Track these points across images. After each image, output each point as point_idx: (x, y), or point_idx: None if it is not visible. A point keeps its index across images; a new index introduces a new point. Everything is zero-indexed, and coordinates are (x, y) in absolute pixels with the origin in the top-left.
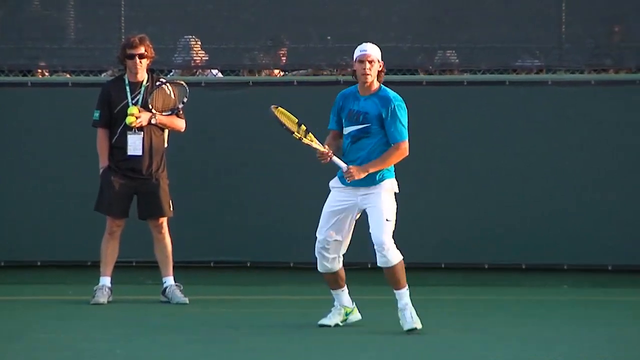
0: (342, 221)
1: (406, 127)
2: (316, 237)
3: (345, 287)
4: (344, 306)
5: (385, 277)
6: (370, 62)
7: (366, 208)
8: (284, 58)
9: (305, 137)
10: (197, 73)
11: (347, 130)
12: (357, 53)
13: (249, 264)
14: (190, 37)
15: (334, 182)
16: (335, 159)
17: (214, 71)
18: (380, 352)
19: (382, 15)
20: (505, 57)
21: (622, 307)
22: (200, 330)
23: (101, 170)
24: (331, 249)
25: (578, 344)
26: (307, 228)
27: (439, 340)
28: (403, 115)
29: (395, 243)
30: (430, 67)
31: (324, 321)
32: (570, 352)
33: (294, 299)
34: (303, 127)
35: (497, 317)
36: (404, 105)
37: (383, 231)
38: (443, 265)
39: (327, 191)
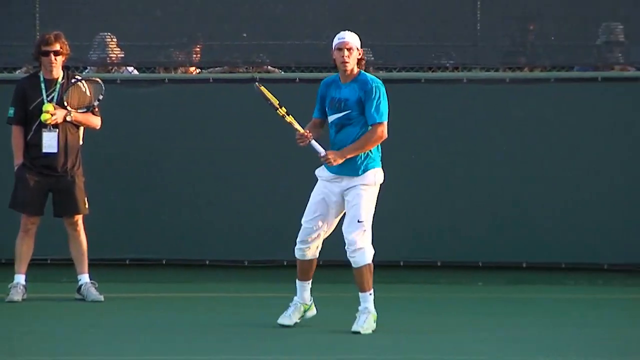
0: (328, 210)
1: (385, 110)
2: (301, 224)
3: (310, 281)
4: (304, 303)
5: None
6: (348, 49)
7: (347, 203)
8: (200, 55)
9: (286, 114)
10: (113, 70)
11: (331, 119)
12: (335, 41)
13: (164, 262)
14: (106, 34)
15: (321, 171)
16: (313, 142)
17: (130, 68)
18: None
19: (298, 13)
20: (421, 55)
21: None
22: (116, 328)
23: (16, 168)
24: (315, 236)
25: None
26: (223, 225)
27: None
28: (381, 97)
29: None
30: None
31: (283, 321)
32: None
33: (210, 296)
34: (284, 108)
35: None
36: (382, 88)
37: (354, 230)
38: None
39: (245, 187)
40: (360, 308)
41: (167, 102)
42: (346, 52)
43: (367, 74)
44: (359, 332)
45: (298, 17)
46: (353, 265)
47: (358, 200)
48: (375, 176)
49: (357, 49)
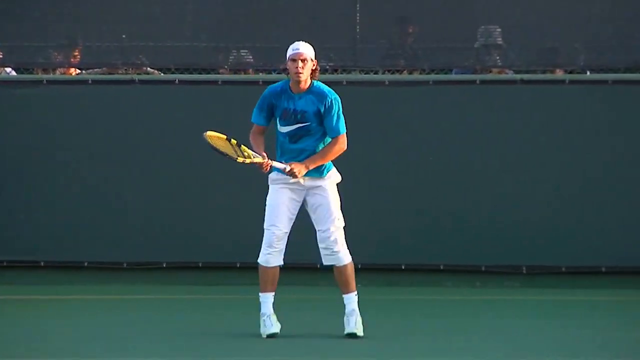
0: (291, 213)
1: (343, 122)
2: (265, 229)
3: (274, 293)
4: (273, 313)
5: (335, 278)
6: (302, 60)
7: (312, 204)
8: (79, 57)
9: (242, 154)
10: None
11: (284, 129)
12: (289, 52)
13: (42, 264)
14: None
15: (276, 175)
16: (274, 163)
17: (8, 69)
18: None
19: (176, 14)
20: None
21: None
22: None
23: None
24: (281, 241)
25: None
26: (103, 226)
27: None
28: (339, 109)
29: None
30: (225, 67)
31: (271, 330)
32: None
33: (88, 299)
34: (234, 141)
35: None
36: (339, 99)
37: (333, 229)
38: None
39: (125, 188)
40: (347, 311)
41: (45, 104)
42: (300, 64)
43: (321, 84)
44: (355, 334)
45: (177, 19)
46: (336, 264)
47: (327, 199)
48: (336, 175)
49: (311, 59)
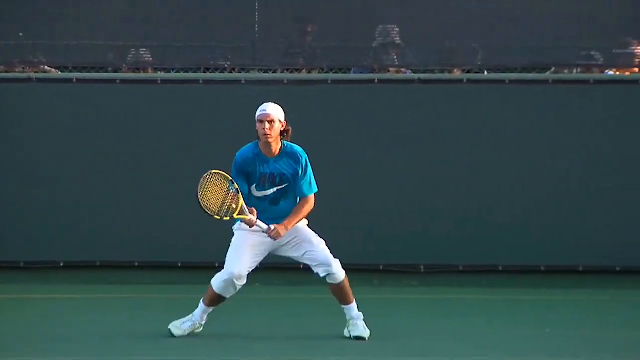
0: (259, 254)
1: (313, 180)
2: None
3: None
4: (201, 323)
5: (333, 294)
6: (270, 122)
7: (289, 245)
8: None
9: (227, 212)
10: None
11: (261, 193)
12: (257, 113)
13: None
14: None
15: (240, 225)
16: (259, 223)
17: None
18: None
19: (74, 13)
20: (199, 56)
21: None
22: None
23: None
24: (243, 279)
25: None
26: (31, 226)
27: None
28: (308, 168)
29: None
30: (124, 66)
31: (176, 331)
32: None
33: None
34: (236, 186)
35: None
36: (306, 157)
37: (324, 250)
38: None
39: (51, 189)
40: (353, 315)
41: None
42: (267, 125)
43: (290, 144)
44: (364, 338)
45: (75, 17)
46: (334, 282)
47: (304, 231)
48: (304, 220)
49: (280, 120)
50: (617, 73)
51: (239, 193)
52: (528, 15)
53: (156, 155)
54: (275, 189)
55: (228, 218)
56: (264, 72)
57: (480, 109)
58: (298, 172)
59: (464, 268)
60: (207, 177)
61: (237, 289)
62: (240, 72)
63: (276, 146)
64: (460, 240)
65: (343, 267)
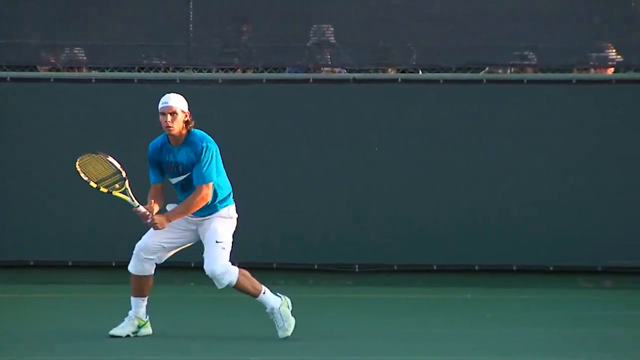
0: (175, 239)
1: (212, 171)
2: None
3: (147, 298)
4: (139, 318)
5: None
6: (172, 114)
7: (204, 229)
8: None
9: (119, 187)
10: None
11: (172, 181)
12: (159, 105)
13: None
14: None
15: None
16: (140, 208)
17: None
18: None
19: (8, 11)
20: (134, 55)
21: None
22: None
23: None
24: (152, 252)
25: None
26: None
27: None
28: (210, 159)
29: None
30: (58, 64)
31: (115, 331)
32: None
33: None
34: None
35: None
36: (213, 147)
37: (215, 257)
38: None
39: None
40: (267, 309)
41: None
42: (169, 117)
43: (196, 132)
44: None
45: (10, 15)
46: (219, 287)
47: (212, 226)
48: (229, 211)
49: (182, 111)
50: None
51: (125, 181)
52: (462, 14)
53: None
54: (180, 178)
55: (106, 191)
56: (198, 72)
57: (414, 108)
58: (194, 161)
59: (399, 267)
60: (95, 156)
61: (149, 264)
62: (175, 72)
63: (180, 137)
64: (395, 240)
65: (279, 267)
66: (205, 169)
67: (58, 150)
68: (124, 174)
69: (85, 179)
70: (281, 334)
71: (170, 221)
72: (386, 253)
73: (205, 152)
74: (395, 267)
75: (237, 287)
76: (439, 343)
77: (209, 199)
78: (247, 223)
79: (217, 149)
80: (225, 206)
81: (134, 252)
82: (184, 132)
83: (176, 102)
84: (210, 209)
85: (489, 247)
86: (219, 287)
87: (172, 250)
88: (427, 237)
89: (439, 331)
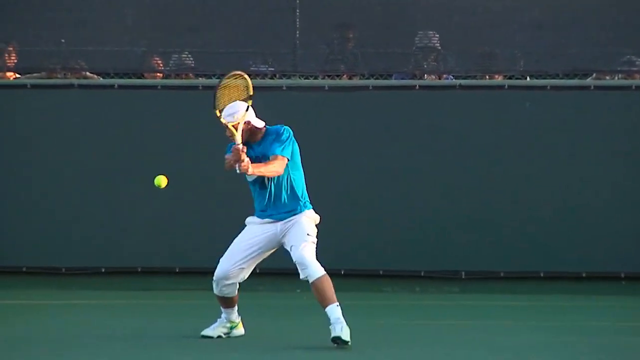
0: (254, 253)
1: (289, 150)
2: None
3: (236, 306)
4: (231, 320)
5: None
6: (234, 127)
7: (285, 233)
8: (17, 61)
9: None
10: None
11: (250, 178)
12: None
13: None
14: None
15: (253, 219)
16: (239, 147)
17: None
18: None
19: (116, 18)
20: (240, 62)
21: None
22: None
23: None
24: (232, 277)
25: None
26: (43, 231)
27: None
28: (288, 139)
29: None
30: (165, 72)
31: (206, 332)
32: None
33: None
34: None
35: None
36: (288, 130)
37: (304, 247)
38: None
39: (64, 193)
40: (332, 318)
41: None
42: (228, 132)
43: (273, 127)
44: (340, 338)
45: (116, 23)
46: (308, 280)
47: (303, 225)
48: (313, 214)
49: (242, 123)
50: None
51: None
52: (569, 20)
53: (198, 161)
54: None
55: (223, 122)
56: (305, 79)
57: (521, 115)
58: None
59: (505, 274)
60: (235, 83)
61: (232, 288)
62: (282, 79)
63: (255, 136)
64: (501, 246)
65: (385, 274)
66: (283, 144)
67: (171, 156)
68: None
69: (215, 103)
70: (334, 334)
71: (251, 172)
72: (493, 260)
73: (284, 132)
74: (502, 274)
75: (318, 285)
76: (549, 352)
77: (282, 172)
78: (353, 230)
79: (297, 145)
80: (308, 208)
81: (214, 279)
82: (258, 130)
83: (230, 117)
84: (293, 210)
85: (599, 254)
86: (303, 276)
87: (252, 265)
88: (535, 244)
89: (547, 339)
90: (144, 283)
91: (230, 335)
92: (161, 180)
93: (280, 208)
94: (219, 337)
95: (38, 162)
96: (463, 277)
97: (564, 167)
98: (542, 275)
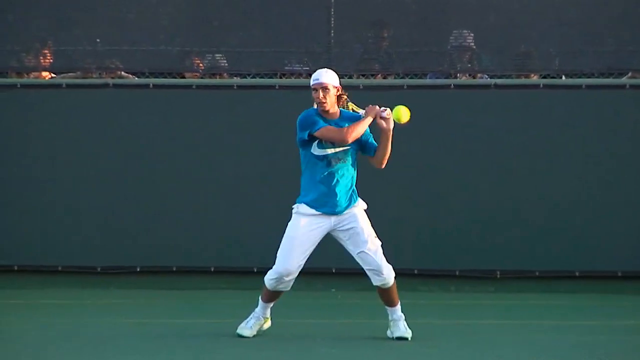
0: (312, 247)
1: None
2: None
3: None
4: (265, 316)
5: (379, 295)
6: (323, 89)
7: (345, 233)
8: (52, 60)
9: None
10: None
11: (322, 152)
12: (311, 81)
13: (16, 268)
14: None
15: (304, 209)
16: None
17: None
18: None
19: (151, 18)
20: (275, 62)
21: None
22: None
23: None
24: (294, 273)
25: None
26: (76, 230)
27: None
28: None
29: None
30: (200, 71)
31: (243, 331)
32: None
33: (62, 303)
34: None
35: None
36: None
37: (378, 254)
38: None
39: (99, 193)
40: (395, 316)
41: (19, 107)
42: (321, 93)
43: (345, 110)
44: (406, 338)
45: (151, 22)
46: (383, 287)
47: (364, 224)
48: (363, 204)
49: (334, 86)
50: None
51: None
52: (605, 18)
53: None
54: (334, 150)
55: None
56: (339, 78)
57: (556, 114)
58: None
59: (540, 274)
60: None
61: (290, 284)
62: None
63: (334, 111)
64: (536, 245)
65: (420, 273)
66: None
67: (203, 155)
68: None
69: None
70: (399, 334)
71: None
72: (528, 259)
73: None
74: (537, 273)
75: (391, 289)
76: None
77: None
78: (391, 230)
79: None
80: (359, 198)
81: (273, 277)
82: (337, 107)
83: (328, 78)
84: (352, 199)
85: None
86: (379, 283)
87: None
88: (570, 243)
89: (586, 339)
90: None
91: (261, 329)
92: (402, 114)
93: (341, 197)
94: (254, 336)
95: (74, 161)
96: (498, 276)
97: (600, 166)
98: (577, 274)
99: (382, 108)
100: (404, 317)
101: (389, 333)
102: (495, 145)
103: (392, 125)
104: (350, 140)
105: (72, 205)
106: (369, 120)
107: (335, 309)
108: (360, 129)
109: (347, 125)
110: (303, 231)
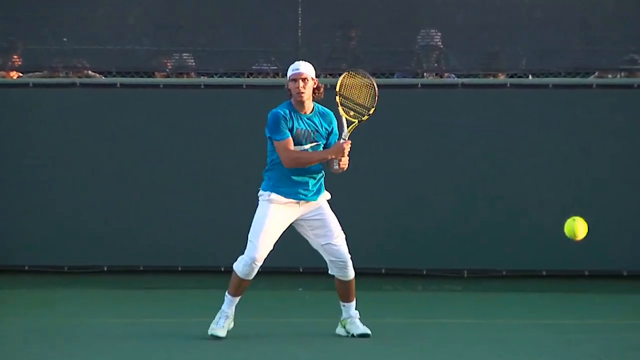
0: (279, 234)
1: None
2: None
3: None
4: (233, 313)
5: (337, 289)
6: (303, 80)
7: (309, 223)
8: (19, 59)
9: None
10: None
11: (300, 148)
12: (290, 72)
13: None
14: None
15: (274, 197)
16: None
17: None
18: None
19: (118, 17)
20: (242, 61)
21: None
22: None
23: None
24: (263, 258)
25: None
26: (44, 230)
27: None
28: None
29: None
30: (167, 71)
31: (216, 331)
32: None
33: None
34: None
35: None
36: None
37: (343, 246)
38: None
39: (66, 192)
40: (352, 313)
41: None
42: (301, 83)
43: (320, 105)
44: (368, 335)
45: (118, 22)
46: (343, 279)
47: (330, 216)
48: (328, 195)
49: (312, 78)
50: None
51: (363, 118)
52: (571, 18)
53: (201, 160)
54: (309, 145)
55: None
56: None
57: (523, 113)
58: (328, 131)
59: (507, 273)
60: (367, 81)
61: (256, 271)
62: (284, 77)
63: (309, 104)
64: (503, 245)
65: (387, 272)
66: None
67: (173, 155)
68: (370, 112)
69: (343, 93)
70: (361, 331)
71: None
72: (495, 258)
73: (334, 123)
74: (504, 273)
75: (351, 282)
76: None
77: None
78: (355, 228)
79: None
80: (323, 191)
81: (246, 261)
82: (312, 101)
83: (306, 69)
84: (320, 189)
85: (601, 253)
86: (341, 274)
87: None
88: (536, 243)
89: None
90: (145, 282)
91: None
92: (578, 230)
93: (310, 187)
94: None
95: (40, 161)
96: (465, 275)
97: (568, 165)
98: (544, 274)
99: (348, 145)
100: (358, 314)
101: (339, 330)
102: (463, 144)
103: (343, 170)
104: (290, 167)
105: (34, 204)
106: (327, 158)
107: (302, 308)
108: (311, 162)
109: (316, 121)
110: (273, 218)
